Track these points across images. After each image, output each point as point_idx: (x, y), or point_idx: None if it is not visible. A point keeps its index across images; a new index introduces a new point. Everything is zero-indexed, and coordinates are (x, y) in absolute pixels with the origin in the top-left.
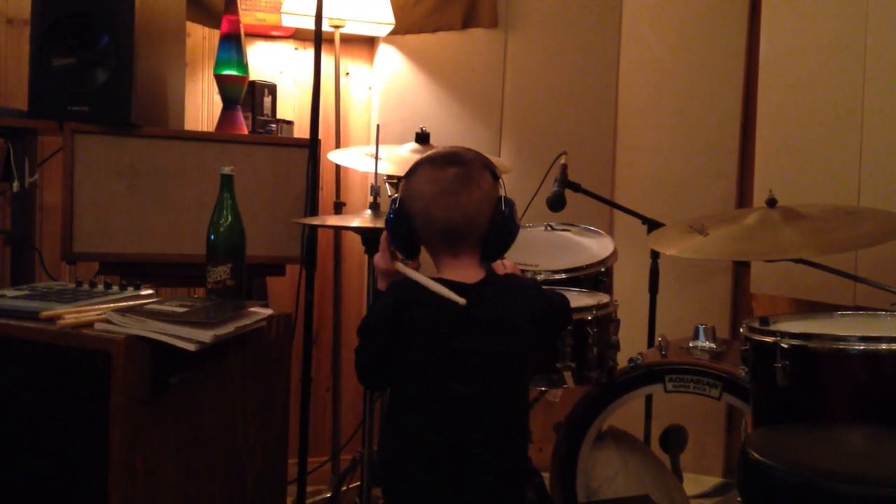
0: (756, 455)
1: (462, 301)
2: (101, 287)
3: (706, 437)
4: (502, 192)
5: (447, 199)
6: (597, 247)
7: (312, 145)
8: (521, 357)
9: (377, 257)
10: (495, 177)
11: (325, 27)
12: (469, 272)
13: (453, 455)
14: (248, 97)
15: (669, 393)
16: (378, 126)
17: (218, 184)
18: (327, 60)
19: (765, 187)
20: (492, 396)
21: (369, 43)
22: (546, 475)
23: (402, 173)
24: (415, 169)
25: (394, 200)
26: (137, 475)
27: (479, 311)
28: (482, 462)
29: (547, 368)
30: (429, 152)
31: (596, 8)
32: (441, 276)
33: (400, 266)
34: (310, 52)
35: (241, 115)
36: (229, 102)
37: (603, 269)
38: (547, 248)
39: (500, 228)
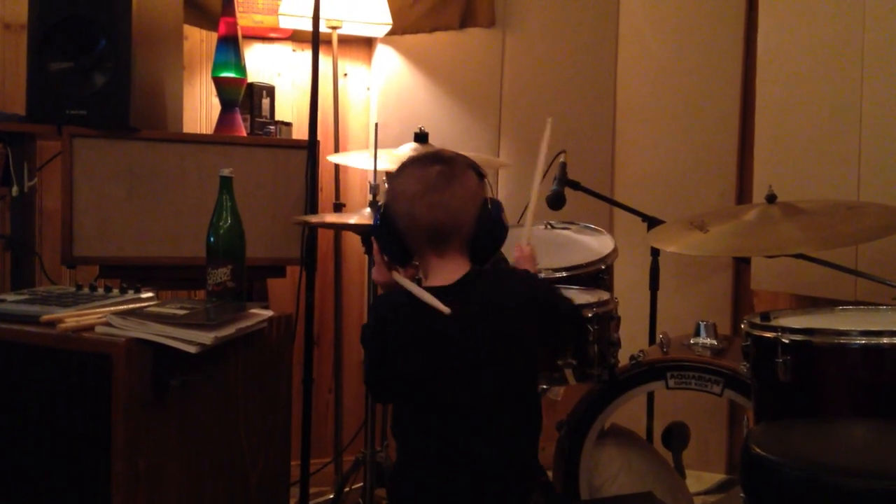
0: (758, 450)
1: (446, 310)
2: (101, 290)
3: (708, 433)
4: (489, 193)
5: (430, 196)
6: (597, 244)
7: (311, 146)
8: (517, 349)
9: (374, 271)
10: (480, 176)
11: (323, 28)
12: (452, 273)
13: (460, 463)
14: (246, 99)
15: (671, 390)
16: (377, 125)
17: (217, 186)
18: (325, 62)
19: (764, 183)
20: (492, 397)
21: (367, 44)
22: (549, 473)
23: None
24: (399, 171)
25: (378, 207)
26: (140, 478)
27: (465, 308)
28: (489, 465)
29: (548, 366)
30: (411, 155)
31: (593, 6)
32: (428, 284)
33: (397, 276)
34: (308, 54)
35: (239, 117)
36: (227, 105)
37: (603, 267)
38: (547, 247)
39: (486, 229)
